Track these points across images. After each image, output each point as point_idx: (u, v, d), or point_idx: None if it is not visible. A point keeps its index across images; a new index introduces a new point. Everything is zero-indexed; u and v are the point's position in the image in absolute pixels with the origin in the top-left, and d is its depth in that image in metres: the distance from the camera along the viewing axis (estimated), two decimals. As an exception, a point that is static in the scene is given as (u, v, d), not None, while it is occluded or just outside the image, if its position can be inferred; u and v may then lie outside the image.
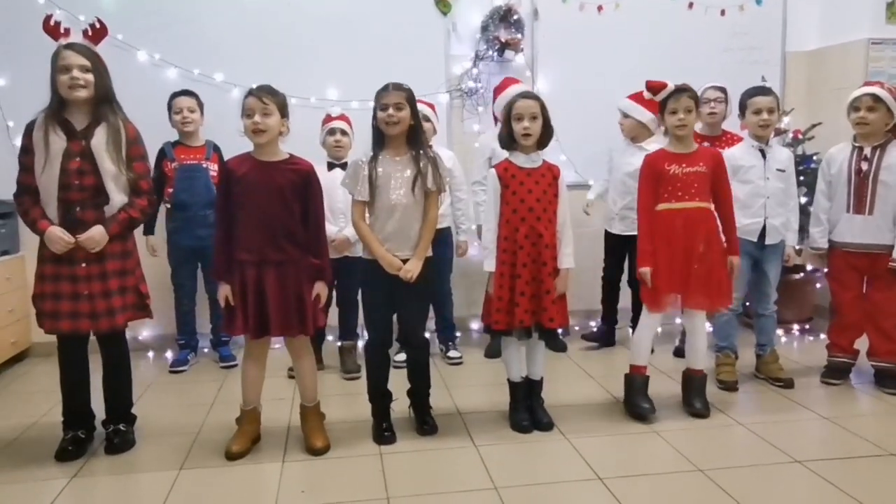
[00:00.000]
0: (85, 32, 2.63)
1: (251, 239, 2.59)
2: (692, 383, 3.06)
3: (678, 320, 4.04)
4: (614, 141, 3.85)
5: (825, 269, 3.47)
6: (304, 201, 2.64)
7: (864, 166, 3.22)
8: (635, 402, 2.98)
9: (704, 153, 2.95)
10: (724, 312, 3.40)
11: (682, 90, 2.89)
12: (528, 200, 2.74)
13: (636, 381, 3.01)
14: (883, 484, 2.38)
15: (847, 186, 3.26)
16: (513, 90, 3.55)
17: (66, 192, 2.53)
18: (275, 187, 2.59)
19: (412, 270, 2.71)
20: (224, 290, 2.64)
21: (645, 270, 2.91)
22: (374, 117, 2.73)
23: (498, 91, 3.76)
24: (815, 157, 4.19)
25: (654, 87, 2.98)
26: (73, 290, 2.55)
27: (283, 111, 2.63)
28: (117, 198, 2.59)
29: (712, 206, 2.93)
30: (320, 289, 2.69)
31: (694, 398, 3.02)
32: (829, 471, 2.46)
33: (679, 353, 3.84)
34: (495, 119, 3.93)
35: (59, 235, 2.51)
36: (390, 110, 2.66)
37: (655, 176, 2.93)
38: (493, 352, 3.93)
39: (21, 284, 3.90)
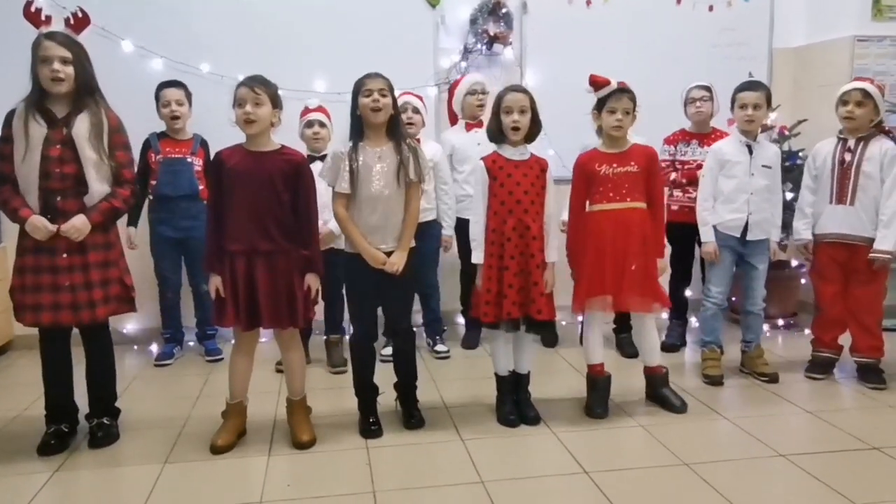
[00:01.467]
0: (67, 21, 2.60)
1: (241, 229, 2.58)
2: (655, 382, 3.07)
3: (664, 315, 4.06)
4: (584, 138, 3.76)
5: (808, 264, 3.48)
6: (295, 192, 2.62)
7: (848, 157, 3.24)
8: (589, 403, 2.99)
9: (637, 152, 2.91)
10: (707, 307, 3.43)
11: (623, 91, 2.85)
12: (516, 193, 2.73)
13: (592, 381, 3.02)
14: (865, 477, 2.40)
15: (830, 177, 3.28)
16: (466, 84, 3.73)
17: (47, 180, 2.49)
18: (266, 177, 2.57)
19: (397, 263, 2.71)
20: (214, 281, 2.61)
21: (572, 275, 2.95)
22: (354, 107, 2.70)
23: (455, 87, 3.86)
24: (800, 154, 4.22)
25: (597, 83, 2.89)
26: (53, 282, 2.52)
27: (276, 102, 2.61)
28: (97, 187, 2.55)
29: (645, 206, 2.89)
30: (311, 280, 2.68)
31: (667, 396, 3.02)
32: (812, 464, 2.49)
33: (664, 347, 3.85)
34: (452, 116, 3.97)
35: (42, 223, 2.47)
36: (375, 95, 2.64)
37: (586, 177, 2.91)
38: (470, 343, 3.99)
39: (3, 276, 3.85)
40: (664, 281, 3.40)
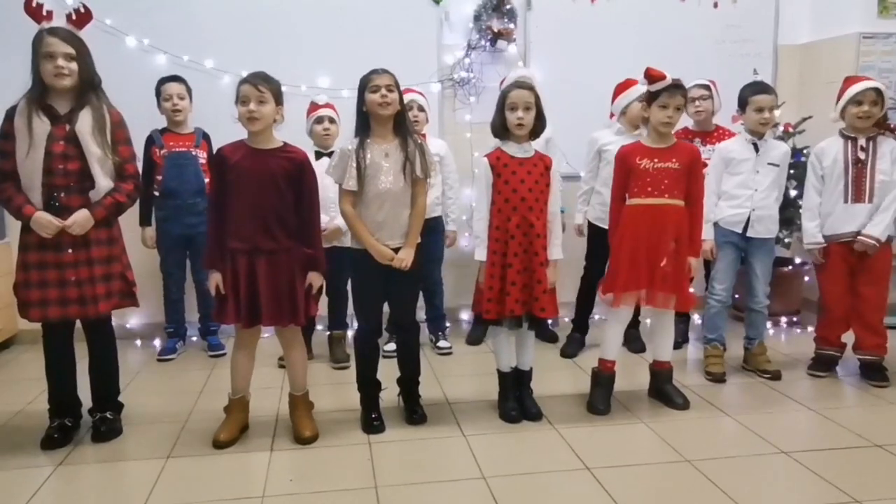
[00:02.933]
0: (69, 17, 2.59)
1: (243, 227, 2.57)
2: (661, 377, 3.07)
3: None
4: (599, 132, 3.74)
5: (816, 263, 3.45)
6: (298, 190, 2.61)
7: (862, 156, 3.23)
8: (591, 399, 2.99)
9: (681, 149, 2.91)
10: (711, 305, 3.42)
11: (677, 87, 2.83)
12: (520, 190, 2.73)
13: (599, 377, 3.02)
14: (867, 474, 2.40)
15: (844, 177, 3.25)
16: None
17: (51, 176, 2.50)
18: (268, 175, 2.57)
19: (405, 259, 2.71)
20: (215, 278, 2.62)
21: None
22: (361, 103, 2.70)
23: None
24: (805, 151, 4.20)
25: (653, 76, 2.85)
26: (59, 277, 2.53)
27: (278, 99, 2.60)
28: (103, 182, 2.56)
29: (683, 204, 2.88)
30: (314, 279, 2.68)
31: (670, 393, 3.03)
32: (814, 461, 2.48)
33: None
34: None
35: (47, 220, 2.48)
36: (383, 91, 2.63)
37: (626, 170, 2.90)
38: (474, 339, 3.98)
39: (7, 271, 3.85)
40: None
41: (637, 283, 2.87)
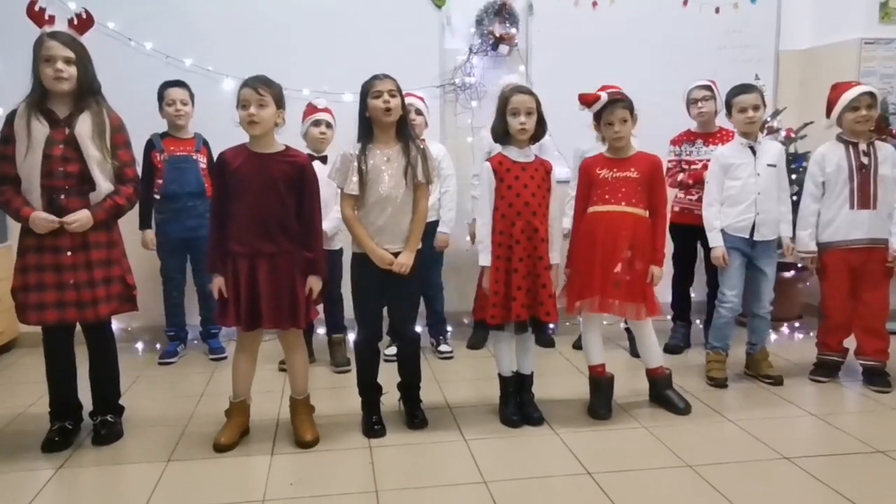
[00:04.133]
0: (70, 21, 2.60)
1: (244, 231, 2.58)
2: (659, 383, 3.06)
3: (668, 317, 4.05)
4: (583, 143, 3.76)
5: (814, 270, 3.44)
6: (299, 194, 2.62)
7: (866, 161, 3.23)
8: (592, 404, 2.99)
9: (641, 159, 2.93)
10: (722, 314, 3.37)
11: (614, 101, 2.86)
12: (523, 195, 2.73)
13: (595, 382, 3.01)
14: (869, 480, 2.39)
15: (850, 183, 3.24)
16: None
17: (50, 179, 2.50)
18: (269, 179, 2.57)
19: (406, 264, 2.71)
20: (217, 282, 2.62)
21: (566, 273, 3.00)
22: (363, 108, 2.70)
23: None
24: (807, 156, 4.20)
25: (587, 101, 2.91)
26: (58, 280, 2.53)
27: (279, 102, 2.60)
28: (104, 185, 2.56)
29: (644, 213, 2.90)
30: (313, 282, 2.68)
31: (671, 398, 3.02)
32: (816, 467, 2.48)
33: (669, 349, 3.84)
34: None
35: (43, 217, 2.47)
36: (385, 96, 2.64)
37: (588, 181, 2.96)
38: (475, 343, 3.99)
39: (8, 274, 3.79)
40: (665, 284, 3.40)
41: (591, 290, 2.88)
